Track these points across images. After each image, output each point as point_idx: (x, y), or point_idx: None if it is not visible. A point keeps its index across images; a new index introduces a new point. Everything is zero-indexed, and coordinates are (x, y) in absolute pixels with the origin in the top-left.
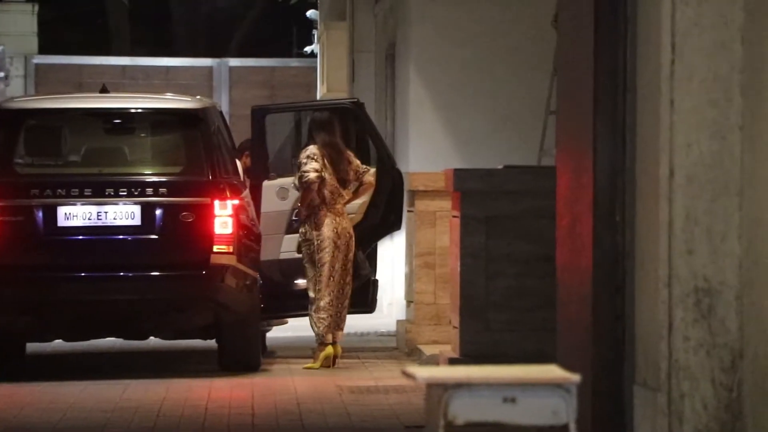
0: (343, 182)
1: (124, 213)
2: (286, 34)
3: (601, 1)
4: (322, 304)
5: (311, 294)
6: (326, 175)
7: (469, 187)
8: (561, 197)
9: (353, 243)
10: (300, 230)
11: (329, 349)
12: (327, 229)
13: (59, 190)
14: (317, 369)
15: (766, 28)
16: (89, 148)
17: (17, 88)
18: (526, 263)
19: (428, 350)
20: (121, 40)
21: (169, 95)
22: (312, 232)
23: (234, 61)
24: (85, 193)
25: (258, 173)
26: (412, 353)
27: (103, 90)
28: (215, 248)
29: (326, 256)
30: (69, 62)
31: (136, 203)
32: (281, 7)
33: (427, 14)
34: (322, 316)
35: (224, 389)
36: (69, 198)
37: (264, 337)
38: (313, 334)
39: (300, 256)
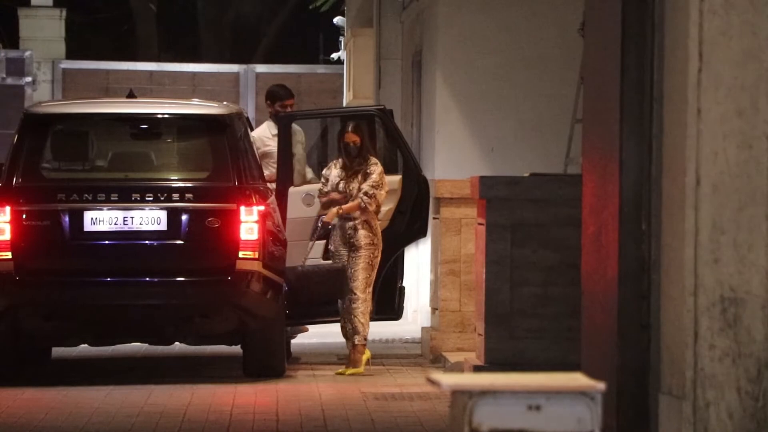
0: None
1: (150, 218)
2: (313, 41)
3: (628, 10)
4: (369, 307)
5: (362, 296)
6: None
7: (494, 195)
8: (587, 205)
9: None
10: (365, 234)
11: (368, 352)
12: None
13: (86, 195)
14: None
15: None
16: (116, 153)
17: (45, 93)
18: (552, 271)
19: (453, 357)
20: (148, 46)
21: (195, 101)
22: (376, 238)
23: (260, 68)
24: (112, 198)
25: (284, 179)
26: (437, 360)
27: (130, 95)
28: (241, 254)
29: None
30: (96, 67)
31: (162, 208)
32: (308, 13)
33: (453, 21)
34: (367, 319)
35: (249, 395)
36: (95, 203)
37: (289, 343)
38: (339, 339)
39: (329, 262)
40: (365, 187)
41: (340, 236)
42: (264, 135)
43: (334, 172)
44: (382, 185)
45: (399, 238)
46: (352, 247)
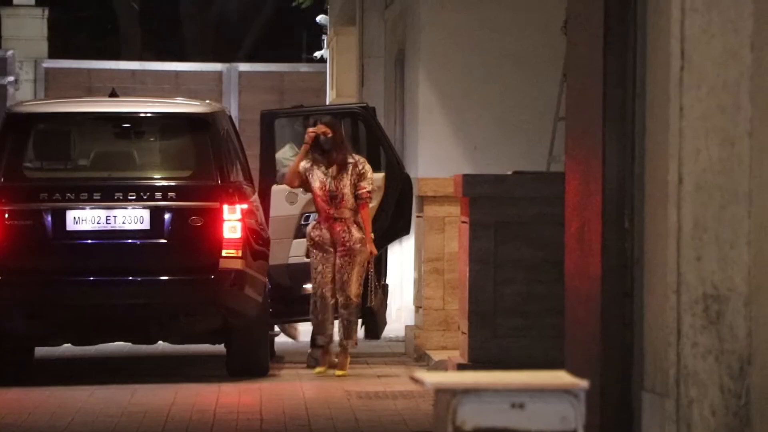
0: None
1: (133, 217)
2: (296, 39)
3: (611, 8)
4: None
5: (356, 300)
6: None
7: (478, 193)
8: (570, 203)
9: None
10: (359, 238)
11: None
12: None
13: (68, 194)
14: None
15: None
16: (98, 152)
17: (27, 92)
18: (535, 269)
19: (437, 356)
20: (131, 45)
21: (178, 99)
22: (365, 238)
23: (243, 66)
24: (94, 197)
25: (267, 177)
26: (421, 359)
27: (113, 94)
28: (224, 252)
29: None
30: (79, 66)
31: (145, 207)
32: (291, 12)
33: (436, 20)
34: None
35: (233, 394)
36: (78, 202)
37: (272, 342)
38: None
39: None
40: (367, 186)
41: (329, 237)
42: (284, 156)
43: (317, 172)
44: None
45: (382, 236)
46: (347, 250)
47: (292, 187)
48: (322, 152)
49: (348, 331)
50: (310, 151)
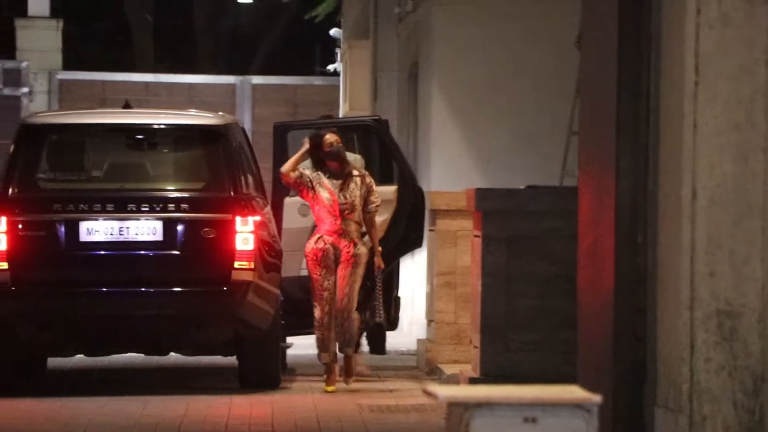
0: None
1: (146, 228)
2: (309, 53)
3: (625, 23)
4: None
5: (356, 312)
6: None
7: (490, 207)
8: (583, 218)
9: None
10: (365, 252)
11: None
12: None
13: (82, 206)
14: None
15: None
16: (112, 164)
17: (41, 103)
18: (547, 283)
19: (448, 369)
20: (144, 57)
21: (191, 112)
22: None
23: (257, 79)
24: (108, 209)
25: (280, 190)
26: (433, 372)
27: (126, 106)
28: (236, 264)
29: None
30: (93, 78)
31: (158, 219)
32: (304, 25)
33: (449, 34)
34: None
35: (244, 406)
36: (91, 213)
37: (284, 354)
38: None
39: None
40: (376, 200)
41: (332, 251)
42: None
43: (325, 182)
44: None
45: (394, 249)
46: (350, 263)
47: (286, 179)
48: (331, 161)
49: (348, 342)
50: (317, 162)
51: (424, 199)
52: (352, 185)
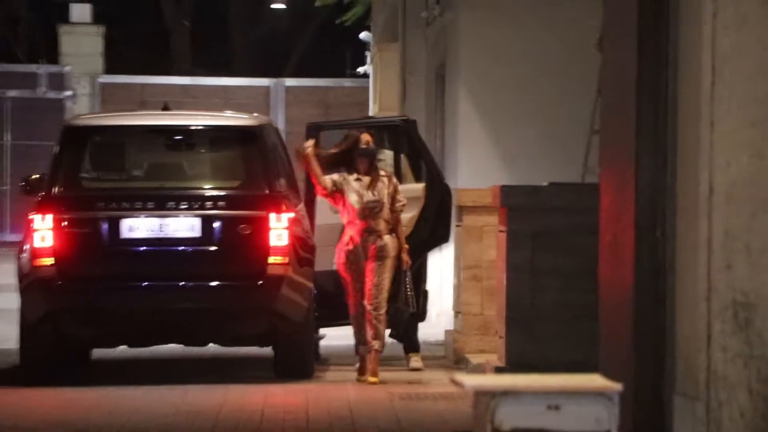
0: None
1: (184, 225)
2: (340, 56)
3: (644, 25)
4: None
5: (385, 305)
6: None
7: (515, 203)
8: (604, 213)
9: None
10: (394, 246)
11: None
12: None
13: (123, 204)
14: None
15: None
16: (152, 163)
17: (84, 106)
18: (571, 277)
19: (475, 359)
20: (182, 61)
21: (227, 113)
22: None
23: (290, 81)
24: (148, 206)
25: (312, 188)
26: (460, 362)
27: (165, 108)
28: (271, 259)
29: None
30: (133, 82)
31: (196, 216)
32: (335, 29)
33: (476, 36)
34: None
35: (279, 395)
36: (132, 211)
37: (317, 345)
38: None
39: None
40: (402, 199)
41: (361, 246)
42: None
43: (353, 184)
44: None
45: (423, 244)
46: (379, 258)
47: (322, 193)
48: (363, 159)
49: (377, 335)
50: (349, 160)
51: (450, 195)
52: (380, 184)
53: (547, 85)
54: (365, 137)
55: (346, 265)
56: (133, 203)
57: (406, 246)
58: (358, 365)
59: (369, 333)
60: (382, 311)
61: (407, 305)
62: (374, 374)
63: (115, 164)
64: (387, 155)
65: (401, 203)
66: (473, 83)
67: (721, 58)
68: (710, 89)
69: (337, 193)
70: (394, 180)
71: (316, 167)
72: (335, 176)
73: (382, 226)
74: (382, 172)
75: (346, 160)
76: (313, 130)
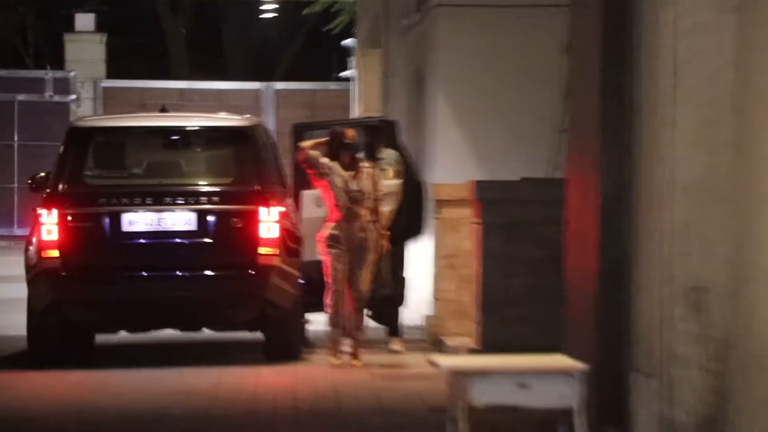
0: None
1: (181, 219)
2: (326, 61)
3: (608, 32)
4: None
5: (367, 295)
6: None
7: (489, 197)
8: (571, 206)
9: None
10: (377, 238)
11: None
12: None
13: (124, 199)
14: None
15: (756, 57)
16: (150, 162)
17: (87, 109)
18: (540, 265)
19: (451, 342)
20: (179, 66)
21: (221, 114)
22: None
23: (279, 85)
24: (147, 202)
25: (299, 183)
26: (437, 344)
27: (163, 110)
28: (262, 250)
29: None
30: (133, 86)
31: (191, 210)
32: (321, 36)
33: (452, 43)
34: None
35: (270, 376)
36: (132, 206)
37: (304, 329)
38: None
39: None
40: (381, 189)
41: (345, 237)
42: (389, 156)
43: (339, 172)
44: None
45: (398, 237)
46: (362, 248)
47: (302, 154)
48: (346, 153)
49: (359, 323)
50: (334, 153)
51: (422, 192)
52: (363, 175)
53: (518, 88)
54: (351, 132)
55: (327, 248)
56: (133, 199)
57: (386, 232)
58: (332, 349)
59: (351, 321)
60: (363, 303)
61: (386, 287)
62: (356, 357)
63: (116, 163)
64: (389, 154)
65: (381, 192)
66: (450, 86)
67: (680, 62)
68: (671, 91)
69: (316, 168)
70: (377, 171)
71: (316, 141)
72: (325, 160)
73: (363, 214)
74: (365, 164)
75: (333, 155)
76: (300, 130)
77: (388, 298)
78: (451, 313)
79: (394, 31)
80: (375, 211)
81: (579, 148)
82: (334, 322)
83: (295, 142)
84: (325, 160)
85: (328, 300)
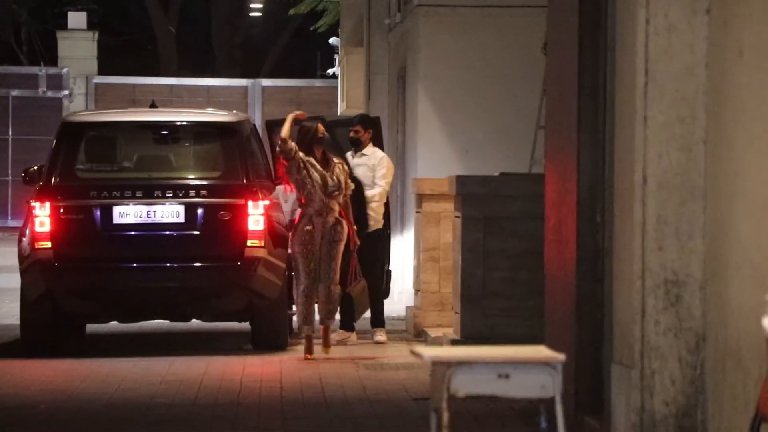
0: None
1: (170, 212)
2: (312, 59)
3: (584, 32)
4: None
5: (338, 287)
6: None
7: (469, 191)
8: (549, 201)
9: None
10: (345, 231)
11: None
12: None
13: (115, 192)
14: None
15: (726, 56)
16: (140, 156)
17: (79, 104)
18: (519, 258)
19: (433, 333)
20: (168, 63)
21: (209, 110)
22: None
23: (266, 82)
24: (137, 195)
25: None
26: (419, 335)
27: (153, 106)
28: (249, 242)
29: None
30: (124, 82)
31: (180, 203)
32: (307, 35)
33: (433, 42)
34: None
35: (256, 365)
36: (123, 199)
37: (291, 319)
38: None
39: None
40: (351, 184)
41: (318, 231)
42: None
43: (316, 165)
44: None
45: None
46: (332, 240)
47: (284, 146)
48: (318, 148)
49: (329, 315)
50: (306, 149)
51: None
52: (337, 170)
53: (497, 86)
54: (321, 127)
55: (302, 243)
56: (124, 192)
57: (355, 228)
58: (305, 344)
59: (321, 309)
60: (335, 296)
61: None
62: (327, 345)
63: (107, 156)
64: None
65: (351, 187)
66: (430, 84)
67: (653, 61)
68: (644, 89)
69: (294, 160)
70: (346, 167)
71: (289, 123)
72: (301, 153)
73: (336, 207)
74: (336, 159)
75: (306, 150)
76: (273, 125)
77: (347, 296)
78: (433, 305)
79: (377, 30)
80: (344, 205)
81: (556, 144)
82: (305, 319)
83: (269, 137)
84: (301, 155)
85: (297, 297)
